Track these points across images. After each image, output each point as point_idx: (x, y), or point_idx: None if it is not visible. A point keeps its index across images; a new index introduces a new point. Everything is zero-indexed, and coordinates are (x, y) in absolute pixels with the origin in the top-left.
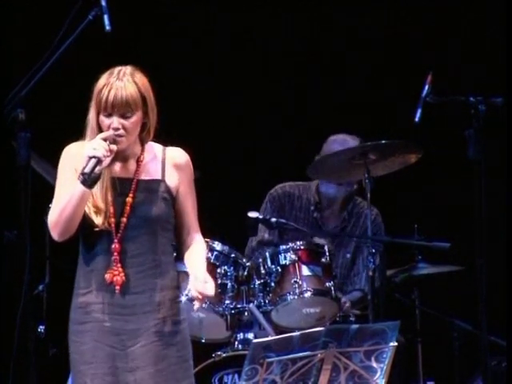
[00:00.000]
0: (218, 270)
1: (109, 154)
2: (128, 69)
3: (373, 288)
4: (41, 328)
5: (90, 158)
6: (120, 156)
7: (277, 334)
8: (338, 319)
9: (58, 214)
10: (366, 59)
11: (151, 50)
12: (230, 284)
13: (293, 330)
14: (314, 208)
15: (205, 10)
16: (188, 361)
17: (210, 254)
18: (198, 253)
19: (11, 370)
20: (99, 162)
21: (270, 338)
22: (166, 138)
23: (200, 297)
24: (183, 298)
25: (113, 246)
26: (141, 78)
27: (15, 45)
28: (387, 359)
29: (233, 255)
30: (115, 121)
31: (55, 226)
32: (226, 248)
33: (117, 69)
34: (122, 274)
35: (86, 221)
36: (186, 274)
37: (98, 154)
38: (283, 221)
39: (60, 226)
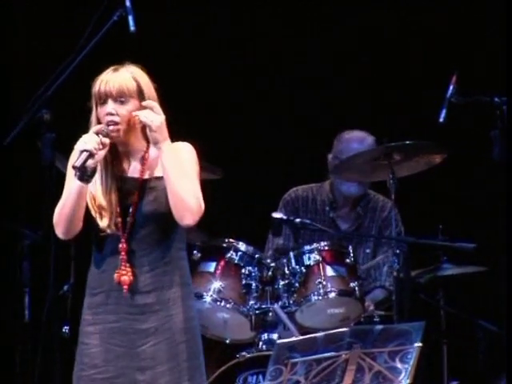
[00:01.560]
0: (243, 271)
1: (101, 147)
2: (125, 64)
3: (397, 288)
4: (65, 328)
5: (82, 151)
6: (124, 154)
7: (301, 335)
8: (362, 320)
9: (59, 211)
10: (389, 58)
11: (173, 49)
12: (254, 284)
13: (317, 331)
14: (329, 208)
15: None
16: (199, 358)
17: (234, 255)
18: None
19: (36, 370)
20: (91, 155)
21: (294, 339)
22: (187, 138)
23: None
24: (207, 299)
25: (120, 245)
26: (137, 71)
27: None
28: (412, 360)
29: (257, 256)
30: (109, 105)
31: (57, 224)
32: (251, 249)
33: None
34: (130, 274)
35: (93, 223)
36: (210, 274)
37: (88, 147)
38: (307, 221)
39: (62, 224)
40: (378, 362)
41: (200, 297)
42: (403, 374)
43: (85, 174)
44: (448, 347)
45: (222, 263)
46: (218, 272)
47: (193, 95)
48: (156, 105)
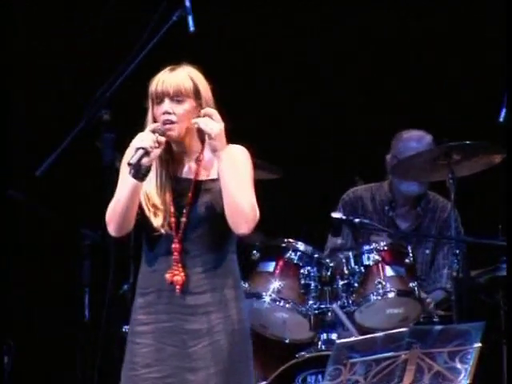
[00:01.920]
0: (302, 271)
1: (156, 145)
2: (182, 65)
3: (457, 288)
4: (125, 328)
5: (138, 148)
6: (180, 155)
7: (360, 335)
8: (421, 320)
9: (113, 208)
10: (448, 57)
11: (233, 49)
12: (313, 284)
13: (376, 331)
14: (388, 207)
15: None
16: (250, 359)
17: (293, 255)
18: None
19: (96, 370)
20: (146, 153)
21: (353, 339)
22: (247, 137)
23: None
24: (267, 299)
25: (173, 246)
26: (194, 71)
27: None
28: (471, 360)
29: (316, 256)
30: (166, 104)
31: (110, 221)
32: (310, 249)
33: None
34: (183, 274)
35: (146, 222)
36: (270, 273)
37: (144, 144)
38: (366, 221)
39: (114, 221)
40: (438, 362)
41: (259, 297)
42: (463, 375)
43: (139, 172)
44: (508, 348)
45: (281, 263)
46: (277, 272)
47: (252, 95)
48: (215, 112)
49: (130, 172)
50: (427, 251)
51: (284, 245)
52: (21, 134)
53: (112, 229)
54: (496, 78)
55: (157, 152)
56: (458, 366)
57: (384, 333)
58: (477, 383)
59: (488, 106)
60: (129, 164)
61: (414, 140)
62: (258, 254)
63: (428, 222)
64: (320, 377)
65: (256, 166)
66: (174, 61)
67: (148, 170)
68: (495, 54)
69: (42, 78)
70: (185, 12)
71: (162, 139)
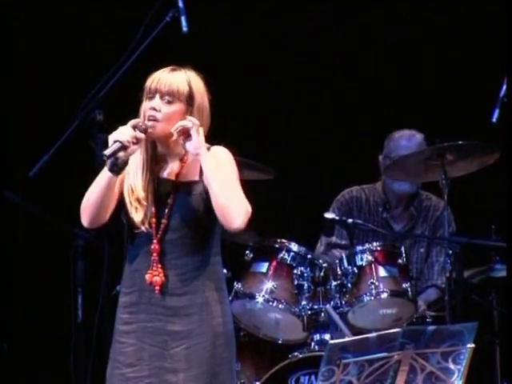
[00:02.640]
0: (295, 271)
1: (134, 141)
2: (185, 67)
3: (450, 289)
4: None
5: (115, 141)
6: (163, 155)
7: (353, 335)
8: (414, 320)
9: (86, 198)
10: (442, 57)
11: (226, 50)
12: (306, 285)
13: (369, 331)
14: (382, 209)
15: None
16: (232, 362)
17: (286, 255)
18: None
19: (89, 370)
20: (123, 147)
21: (346, 339)
22: (240, 139)
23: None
24: (260, 299)
25: (152, 246)
26: (195, 77)
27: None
28: (465, 361)
29: (309, 256)
30: (155, 100)
31: (83, 211)
32: (303, 249)
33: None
34: (162, 275)
35: (128, 218)
36: (263, 274)
37: (121, 138)
38: (360, 222)
39: (87, 211)
40: (431, 362)
41: (252, 297)
42: (456, 375)
43: (115, 165)
44: (501, 348)
45: (275, 263)
46: (270, 272)
47: (247, 96)
48: (192, 125)
49: (106, 164)
50: (421, 250)
51: (277, 245)
52: (17, 135)
53: (84, 219)
54: (489, 78)
55: (134, 148)
56: (451, 366)
57: (377, 333)
58: None
59: (481, 106)
60: (103, 155)
61: (405, 139)
62: (251, 255)
63: (421, 221)
64: (313, 377)
65: (249, 167)
66: (167, 61)
67: (124, 164)
68: (488, 54)
69: (38, 79)
70: (178, 12)
71: (142, 136)
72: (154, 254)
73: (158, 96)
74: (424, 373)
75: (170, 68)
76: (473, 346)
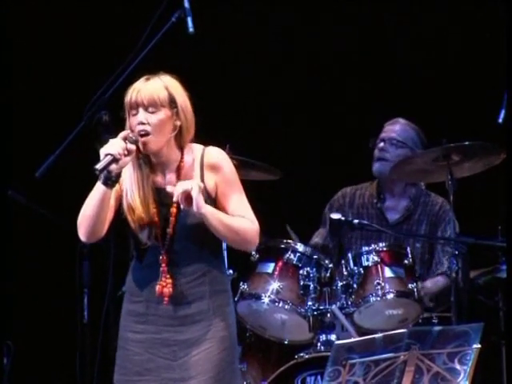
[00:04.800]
0: (301, 272)
1: (126, 153)
2: (158, 74)
3: (456, 290)
4: None
5: (106, 155)
6: (159, 166)
7: (359, 336)
8: (420, 321)
9: (82, 213)
10: (449, 58)
11: (231, 49)
12: (312, 285)
13: (375, 332)
14: (377, 200)
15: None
16: (235, 363)
17: (292, 256)
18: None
19: (96, 372)
20: (114, 160)
21: (352, 340)
22: (246, 139)
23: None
24: (266, 300)
25: (160, 257)
26: (169, 80)
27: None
28: (471, 361)
29: (315, 257)
30: (140, 114)
31: (79, 225)
32: (309, 249)
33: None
34: (170, 286)
35: (133, 235)
36: (269, 274)
37: (112, 151)
38: (365, 222)
39: (84, 226)
40: (437, 363)
41: (258, 298)
42: (462, 376)
43: (109, 179)
44: (507, 348)
45: (280, 264)
46: (276, 273)
47: (252, 96)
48: (191, 187)
49: (98, 178)
50: (417, 245)
51: (283, 246)
52: (21, 136)
53: (82, 233)
54: (495, 79)
55: (126, 160)
56: (457, 366)
57: (383, 334)
58: None
59: (487, 106)
60: (95, 169)
61: (389, 123)
62: (257, 255)
63: (419, 215)
64: (319, 378)
65: (255, 168)
66: (173, 62)
67: (117, 177)
68: (494, 54)
69: (42, 79)
70: (184, 13)
71: (133, 147)
72: (163, 265)
73: (141, 109)
74: (430, 373)
75: (144, 79)
76: (479, 346)
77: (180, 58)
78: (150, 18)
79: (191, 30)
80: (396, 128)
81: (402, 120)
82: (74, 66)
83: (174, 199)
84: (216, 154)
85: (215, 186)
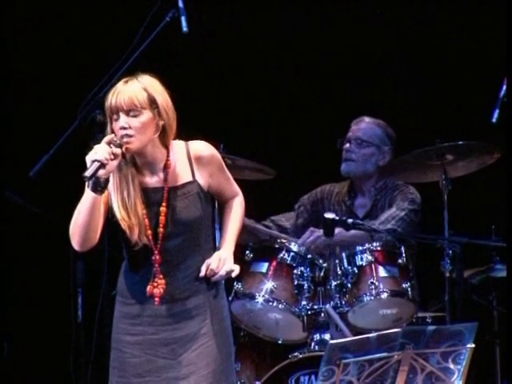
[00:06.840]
0: (295, 271)
1: (112, 157)
2: (137, 76)
3: (451, 289)
4: None
5: (93, 161)
6: (145, 166)
7: (353, 335)
8: (414, 320)
9: (74, 221)
10: (442, 57)
11: (226, 48)
12: (306, 285)
13: (369, 331)
14: (347, 198)
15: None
16: (232, 355)
17: (286, 255)
18: (229, 219)
19: (90, 371)
20: (102, 165)
21: (346, 339)
22: (240, 139)
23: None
24: (260, 299)
25: (153, 257)
26: (148, 80)
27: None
28: (465, 361)
29: (309, 256)
30: (122, 119)
31: (72, 235)
32: (303, 249)
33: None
34: (161, 286)
35: (124, 239)
36: (263, 274)
37: (98, 157)
38: (359, 221)
39: (77, 234)
40: (431, 362)
41: (252, 297)
42: (456, 375)
43: (98, 185)
44: (501, 348)
45: (275, 263)
46: (270, 272)
47: (246, 96)
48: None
49: (87, 186)
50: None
51: (277, 245)
52: (17, 135)
53: (75, 242)
54: (489, 78)
55: (113, 164)
56: (451, 366)
57: (377, 333)
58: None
59: (481, 106)
60: (83, 177)
61: (354, 122)
62: (251, 255)
63: (381, 204)
64: (313, 377)
65: (249, 167)
66: (167, 61)
67: (106, 182)
68: (488, 54)
69: (37, 79)
70: (178, 12)
71: (118, 151)
72: (156, 265)
73: (122, 114)
74: (424, 373)
75: (122, 82)
76: (473, 346)
77: (173, 58)
78: (144, 18)
79: (185, 29)
80: (361, 127)
81: (367, 118)
82: (68, 66)
83: (216, 279)
84: (201, 147)
85: (208, 178)
